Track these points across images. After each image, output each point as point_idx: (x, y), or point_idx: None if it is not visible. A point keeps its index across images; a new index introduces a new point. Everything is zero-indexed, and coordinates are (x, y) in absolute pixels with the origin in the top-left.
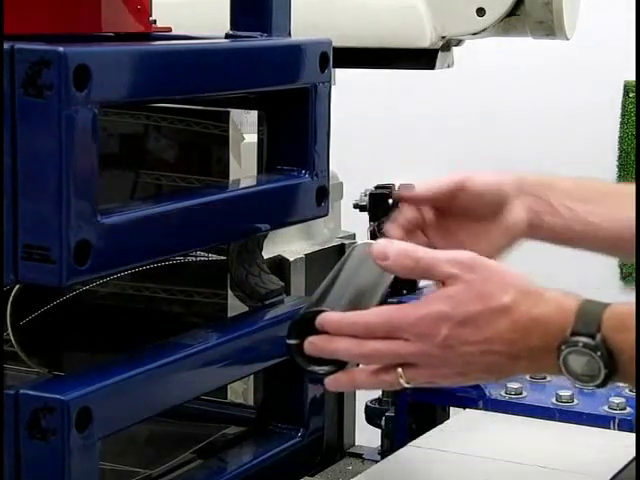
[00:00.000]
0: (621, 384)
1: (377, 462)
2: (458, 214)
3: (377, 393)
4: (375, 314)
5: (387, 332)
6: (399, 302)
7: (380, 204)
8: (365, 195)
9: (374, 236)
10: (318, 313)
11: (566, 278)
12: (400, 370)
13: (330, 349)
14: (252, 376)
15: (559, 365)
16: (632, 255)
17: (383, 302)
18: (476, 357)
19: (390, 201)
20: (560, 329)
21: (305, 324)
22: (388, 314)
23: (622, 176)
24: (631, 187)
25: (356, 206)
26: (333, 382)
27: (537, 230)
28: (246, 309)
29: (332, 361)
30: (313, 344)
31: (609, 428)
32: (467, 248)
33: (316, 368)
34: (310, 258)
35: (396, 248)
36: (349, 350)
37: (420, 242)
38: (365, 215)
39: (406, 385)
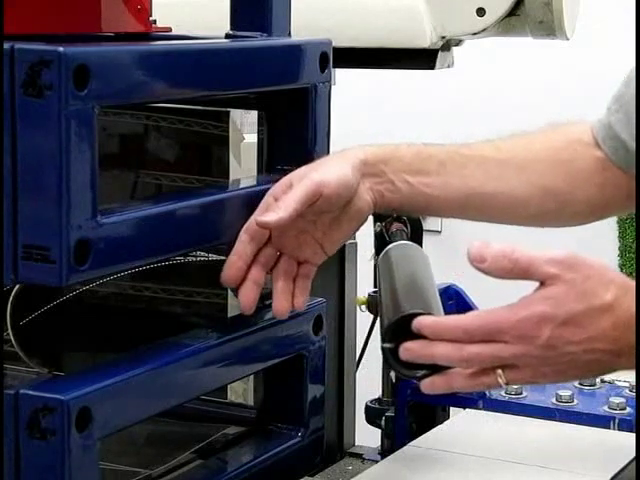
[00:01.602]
0: (621, 384)
1: (377, 462)
2: (313, 214)
3: (377, 393)
4: (473, 317)
5: (487, 335)
6: None
7: None
8: None
9: (381, 236)
10: (413, 316)
11: None
12: (500, 371)
13: (428, 354)
14: (252, 376)
15: None
16: (471, 218)
17: None
18: (579, 356)
19: None
20: None
21: (400, 328)
22: (487, 317)
23: None
24: (469, 150)
25: None
26: (429, 385)
27: (381, 207)
28: None
29: (427, 364)
30: (410, 350)
31: (609, 428)
32: (319, 241)
33: (411, 372)
34: None
35: (493, 250)
36: (448, 355)
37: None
38: None
39: (505, 386)
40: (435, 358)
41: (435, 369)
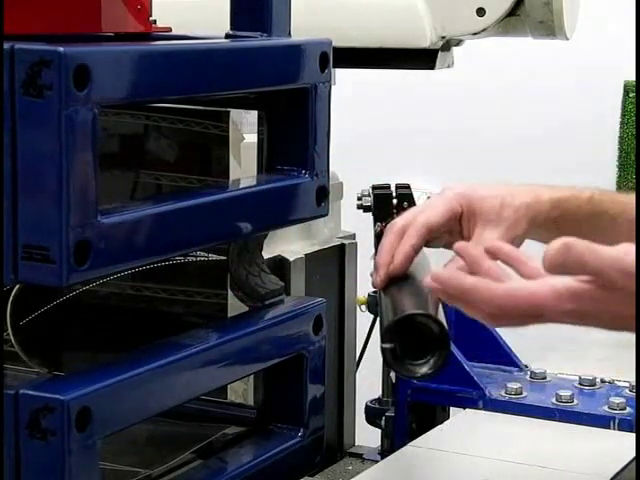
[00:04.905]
0: (621, 384)
1: (377, 462)
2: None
3: (377, 393)
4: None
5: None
6: None
7: (385, 204)
8: (363, 196)
9: (381, 236)
10: (413, 317)
11: None
12: None
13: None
14: (252, 376)
15: None
16: None
17: None
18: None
19: (395, 201)
20: None
21: (400, 328)
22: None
23: (622, 176)
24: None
25: (360, 207)
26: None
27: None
28: (246, 309)
29: (426, 365)
30: (439, 279)
31: (609, 428)
32: None
33: (410, 372)
34: (310, 258)
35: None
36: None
37: None
38: (362, 214)
39: None
40: (465, 287)
41: (436, 370)
